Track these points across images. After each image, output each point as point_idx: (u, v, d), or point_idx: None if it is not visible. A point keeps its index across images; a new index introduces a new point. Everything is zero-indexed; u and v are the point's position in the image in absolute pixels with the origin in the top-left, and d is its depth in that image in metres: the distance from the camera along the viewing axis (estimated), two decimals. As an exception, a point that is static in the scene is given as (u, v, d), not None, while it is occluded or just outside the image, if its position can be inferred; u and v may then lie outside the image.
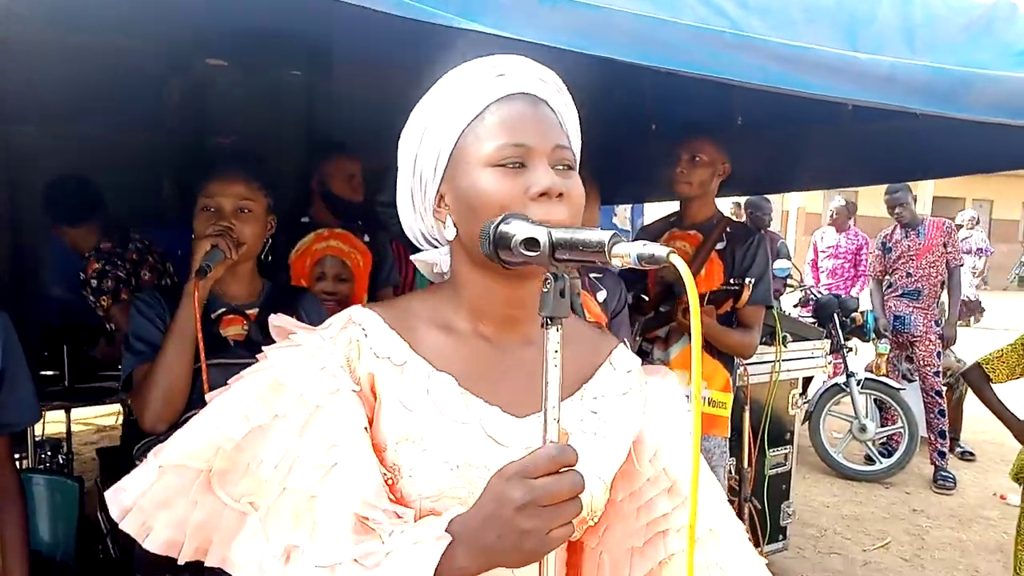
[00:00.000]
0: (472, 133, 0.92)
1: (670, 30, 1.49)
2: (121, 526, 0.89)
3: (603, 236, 0.76)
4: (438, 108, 0.94)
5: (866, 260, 6.74)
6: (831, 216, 7.14)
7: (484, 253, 0.85)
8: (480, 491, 0.83)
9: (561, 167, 0.92)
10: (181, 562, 0.89)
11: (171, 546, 0.89)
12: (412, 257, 1.05)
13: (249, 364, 0.96)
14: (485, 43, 1.24)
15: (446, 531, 0.80)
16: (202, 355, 1.63)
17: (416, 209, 0.99)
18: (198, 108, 3.16)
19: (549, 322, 0.79)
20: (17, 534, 1.59)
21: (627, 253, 0.74)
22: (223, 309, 1.78)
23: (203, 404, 0.94)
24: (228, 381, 0.94)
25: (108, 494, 0.90)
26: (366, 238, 2.89)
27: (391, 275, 3.01)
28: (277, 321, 0.99)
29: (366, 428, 0.89)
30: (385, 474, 0.89)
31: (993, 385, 2.89)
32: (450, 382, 0.93)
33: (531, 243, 0.80)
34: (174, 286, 1.73)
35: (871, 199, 5.97)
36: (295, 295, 1.92)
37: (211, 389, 0.96)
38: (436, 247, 1.03)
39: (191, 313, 1.63)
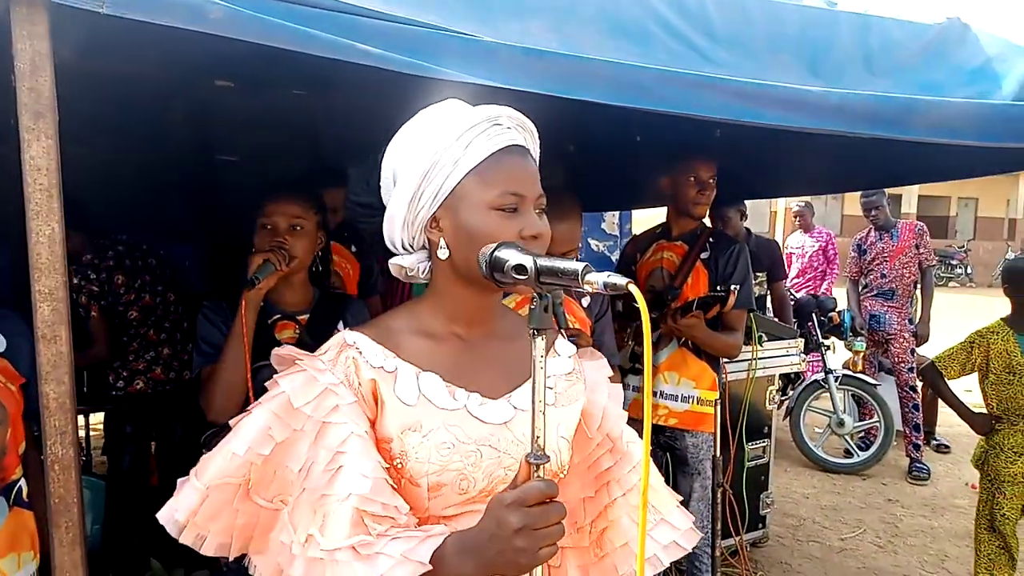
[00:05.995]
0: (476, 176, 1.08)
1: (640, 73, 1.64)
2: (180, 540, 1.06)
3: (578, 266, 0.91)
4: (446, 145, 1.08)
5: (833, 256, 6.89)
6: (794, 220, 7.23)
7: (481, 274, 1.02)
8: (471, 462, 1.07)
9: (540, 211, 1.11)
10: (231, 559, 1.07)
11: (221, 548, 1.07)
12: (390, 261, 1.19)
13: None
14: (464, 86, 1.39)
15: (443, 545, 0.97)
16: (246, 358, 1.80)
17: (406, 222, 1.13)
18: (205, 127, 3.30)
19: (536, 333, 0.92)
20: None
21: (596, 281, 0.89)
22: (278, 316, 1.95)
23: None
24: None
25: (162, 515, 1.07)
26: (353, 248, 3.04)
27: (377, 284, 3.18)
28: (281, 351, 1.15)
29: (367, 432, 1.06)
30: (395, 460, 1.07)
31: (949, 381, 3.09)
32: (436, 379, 1.11)
33: (520, 269, 0.96)
34: (233, 295, 1.88)
35: (857, 200, 6.07)
36: (342, 301, 2.08)
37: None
38: (407, 253, 1.17)
39: (242, 319, 1.81)
